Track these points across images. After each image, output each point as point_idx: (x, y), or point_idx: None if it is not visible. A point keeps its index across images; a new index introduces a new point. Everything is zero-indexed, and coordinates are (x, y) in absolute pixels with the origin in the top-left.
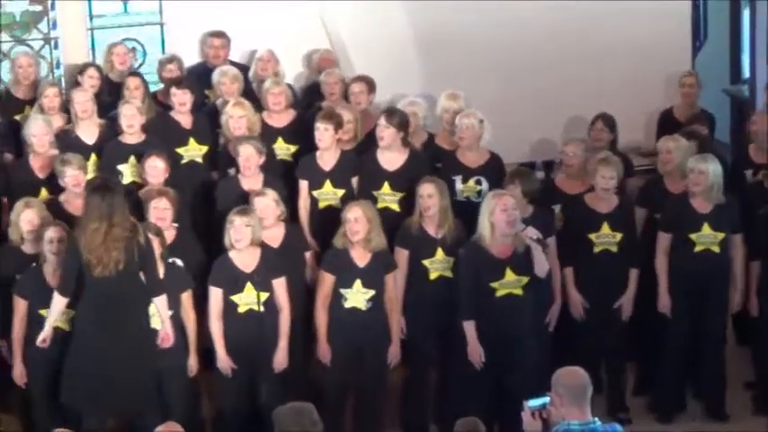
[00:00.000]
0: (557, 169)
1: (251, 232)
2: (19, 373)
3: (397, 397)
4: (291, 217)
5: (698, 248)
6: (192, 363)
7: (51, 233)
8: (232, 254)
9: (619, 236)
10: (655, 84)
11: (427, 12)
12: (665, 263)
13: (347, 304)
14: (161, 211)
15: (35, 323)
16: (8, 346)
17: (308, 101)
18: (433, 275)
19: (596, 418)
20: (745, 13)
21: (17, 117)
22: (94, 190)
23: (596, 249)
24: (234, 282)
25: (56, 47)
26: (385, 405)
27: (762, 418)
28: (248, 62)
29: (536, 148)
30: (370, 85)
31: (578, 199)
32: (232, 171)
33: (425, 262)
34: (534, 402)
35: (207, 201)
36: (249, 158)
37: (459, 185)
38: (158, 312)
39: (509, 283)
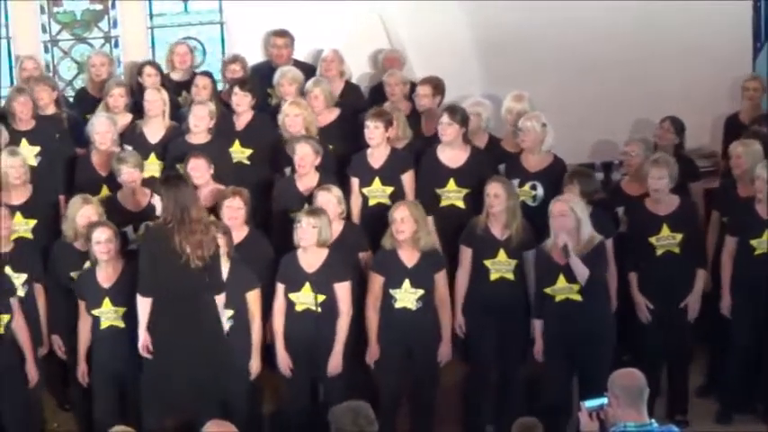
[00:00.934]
0: (616, 170)
1: (317, 233)
2: (82, 371)
3: (457, 397)
4: None
5: (757, 253)
6: (255, 364)
7: (99, 234)
8: (299, 252)
9: (679, 236)
10: (714, 86)
11: (487, 12)
12: (729, 265)
13: (397, 305)
14: (234, 211)
15: (95, 324)
16: (62, 342)
17: (374, 100)
18: (493, 276)
19: (653, 420)
20: None
21: (88, 116)
22: (169, 185)
23: (658, 252)
24: (294, 280)
25: (116, 45)
26: (442, 405)
27: None
28: (314, 61)
29: (595, 149)
30: (436, 87)
31: (639, 202)
32: (288, 170)
33: (487, 262)
34: (591, 403)
35: (261, 200)
36: (304, 157)
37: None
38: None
39: (562, 290)
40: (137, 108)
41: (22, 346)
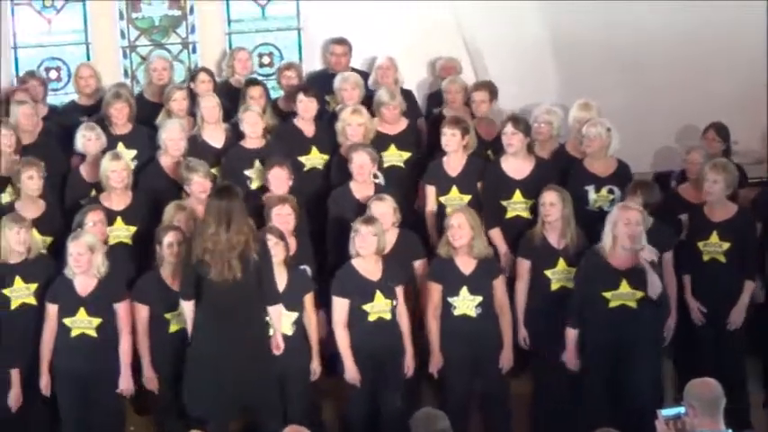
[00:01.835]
0: (674, 178)
1: (376, 242)
2: (150, 377)
3: (528, 406)
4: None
5: None
6: (315, 366)
7: (170, 237)
8: (356, 262)
9: (726, 245)
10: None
11: (561, 20)
12: None
13: (456, 312)
14: (283, 218)
15: (160, 327)
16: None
17: (431, 107)
18: (554, 286)
19: (730, 430)
20: None
21: (157, 122)
22: (215, 194)
23: (705, 258)
24: (363, 291)
25: (194, 51)
26: (515, 416)
27: None
28: (368, 69)
29: (656, 157)
30: (492, 92)
31: (697, 207)
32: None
33: (547, 272)
34: (668, 412)
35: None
36: (363, 166)
37: (592, 195)
38: (271, 322)
39: (623, 295)
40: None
41: (121, 353)
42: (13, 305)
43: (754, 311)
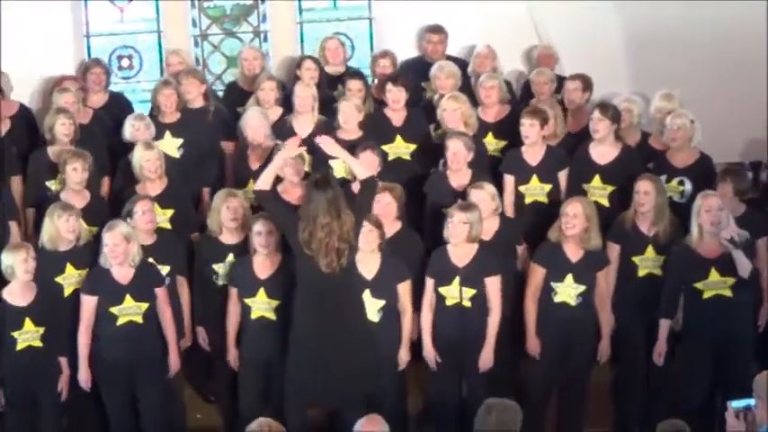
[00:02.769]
0: (765, 168)
1: (469, 229)
2: (233, 357)
3: (607, 395)
4: None
5: None
6: (404, 354)
7: (260, 226)
8: (449, 247)
9: None
10: None
11: (637, 11)
12: None
13: (557, 298)
14: (384, 206)
15: (245, 313)
16: (205, 333)
17: (526, 97)
18: (641, 272)
19: None
20: None
21: (239, 109)
22: (319, 186)
23: None
24: (443, 274)
25: (265, 40)
26: (590, 402)
27: None
28: (466, 57)
29: (745, 148)
30: (586, 83)
31: None
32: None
33: (635, 259)
34: (738, 404)
35: (416, 196)
36: (457, 153)
37: None
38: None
39: (714, 284)
40: (287, 102)
41: (166, 336)
42: (66, 292)
43: None
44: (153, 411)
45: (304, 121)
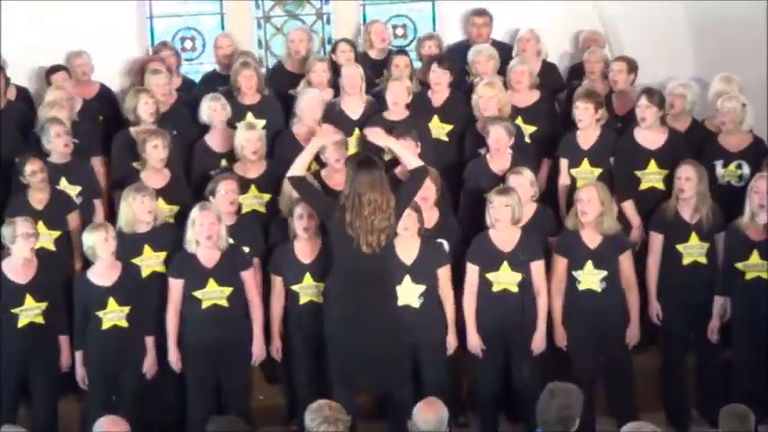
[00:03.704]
0: None
1: (510, 212)
2: (276, 347)
3: (659, 381)
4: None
5: None
6: (451, 339)
7: (301, 209)
8: (491, 232)
9: None
10: None
11: None
12: None
13: (581, 287)
14: (424, 190)
15: (293, 300)
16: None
17: (571, 80)
18: (686, 260)
19: None
20: None
21: (291, 91)
22: (361, 165)
23: None
24: (491, 260)
25: (327, 22)
26: (644, 388)
27: None
28: (512, 41)
29: None
30: (631, 65)
31: None
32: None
33: (679, 247)
34: None
35: (454, 180)
36: (499, 140)
37: (719, 170)
38: None
39: (755, 266)
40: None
41: (254, 321)
42: (144, 273)
43: None
44: (235, 397)
45: (353, 103)
